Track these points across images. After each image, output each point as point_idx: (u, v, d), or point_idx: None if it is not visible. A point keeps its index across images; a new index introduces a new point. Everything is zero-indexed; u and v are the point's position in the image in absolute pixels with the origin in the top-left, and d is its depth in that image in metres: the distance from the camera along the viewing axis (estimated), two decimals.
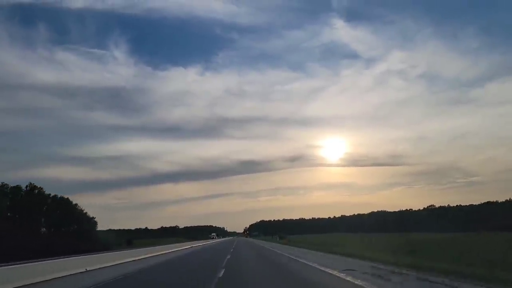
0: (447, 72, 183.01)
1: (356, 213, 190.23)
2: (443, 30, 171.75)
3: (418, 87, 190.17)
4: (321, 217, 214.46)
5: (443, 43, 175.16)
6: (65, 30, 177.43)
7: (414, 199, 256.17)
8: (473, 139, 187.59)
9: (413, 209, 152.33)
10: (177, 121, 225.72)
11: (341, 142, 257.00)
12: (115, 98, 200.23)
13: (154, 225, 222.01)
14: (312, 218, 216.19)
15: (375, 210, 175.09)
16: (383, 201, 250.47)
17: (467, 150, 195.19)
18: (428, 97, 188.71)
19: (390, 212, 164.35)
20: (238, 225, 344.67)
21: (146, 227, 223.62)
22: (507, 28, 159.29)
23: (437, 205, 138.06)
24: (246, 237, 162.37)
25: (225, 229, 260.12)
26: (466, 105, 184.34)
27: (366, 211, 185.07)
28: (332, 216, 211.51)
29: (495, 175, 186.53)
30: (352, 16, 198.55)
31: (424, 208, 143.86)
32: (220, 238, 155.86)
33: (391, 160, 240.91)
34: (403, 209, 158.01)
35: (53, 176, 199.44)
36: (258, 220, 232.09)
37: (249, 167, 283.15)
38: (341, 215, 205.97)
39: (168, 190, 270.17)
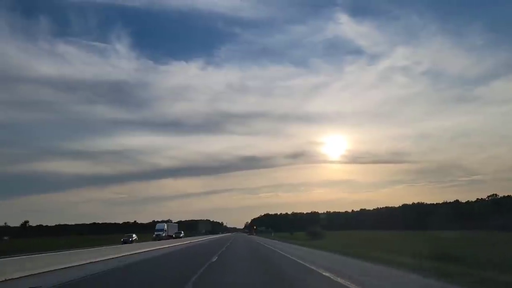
0: (451, 69, 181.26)
1: (381, 206, 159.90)
2: (448, 26, 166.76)
3: (421, 84, 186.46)
4: (336, 211, 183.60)
5: (448, 40, 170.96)
6: (66, 22, 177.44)
7: (416, 197, 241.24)
8: (476, 137, 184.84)
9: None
10: (178, 116, 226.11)
11: (342, 138, 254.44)
12: (117, 92, 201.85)
13: (148, 219, 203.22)
14: (327, 212, 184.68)
15: (409, 203, 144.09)
16: (385, 199, 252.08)
17: (469, 148, 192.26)
18: (432, 94, 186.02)
19: (427, 205, 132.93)
20: (238, 221, 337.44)
21: (135, 221, 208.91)
22: None
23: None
24: (251, 234, 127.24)
25: (225, 225, 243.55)
26: (470, 103, 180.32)
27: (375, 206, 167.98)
28: (350, 211, 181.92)
29: (497, 173, 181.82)
30: (357, 11, 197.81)
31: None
32: (179, 236, 76.84)
33: (393, 158, 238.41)
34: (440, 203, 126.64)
35: (53, 170, 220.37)
36: (262, 214, 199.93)
37: (250, 163, 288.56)
38: (360, 209, 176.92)
39: (169, 185, 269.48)
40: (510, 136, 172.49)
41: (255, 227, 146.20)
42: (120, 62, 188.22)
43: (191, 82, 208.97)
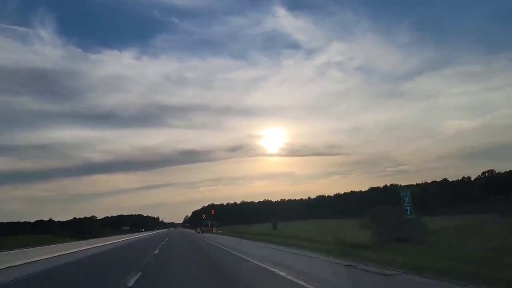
0: (382, 65, 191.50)
1: (345, 191, 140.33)
2: (380, 24, 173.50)
3: (355, 79, 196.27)
4: (292, 198, 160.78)
5: (379, 37, 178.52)
6: None
7: (349, 187, 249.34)
8: (403, 130, 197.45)
9: None
10: (111, 108, 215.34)
11: (281, 132, 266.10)
12: (42, 82, 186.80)
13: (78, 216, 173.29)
14: (281, 200, 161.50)
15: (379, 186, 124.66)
16: (321, 189, 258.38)
17: (397, 141, 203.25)
18: (365, 89, 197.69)
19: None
20: (177, 216, 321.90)
21: (50, 219, 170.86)
22: (437, 24, 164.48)
23: None
24: (204, 232, 70.19)
25: (162, 220, 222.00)
26: (397, 98, 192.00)
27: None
28: (306, 198, 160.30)
29: (420, 164, 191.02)
30: (294, 5, 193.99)
31: None
32: None
33: (329, 150, 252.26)
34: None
35: None
36: (206, 205, 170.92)
37: (190, 157, 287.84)
38: (318, 196, 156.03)
39: (102, 181, 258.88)
40: (432, 129, 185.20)
41: (209, 222, 79.69)
42: (44, 49, 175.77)
43: (125, 72, 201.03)
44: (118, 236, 57.48)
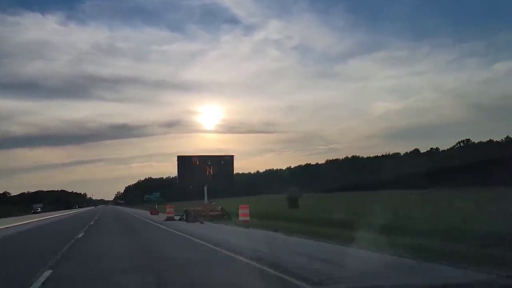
0: (317, 46, 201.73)
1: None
2: (316, 4, 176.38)
3: (292, 59, 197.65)
4: (240, 172, 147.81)
5: (316, 17, 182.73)
6: None
7: (283, 164, 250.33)
8: (335, 111, 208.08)
9: None
10: (34, 77, 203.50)
11: (218, 108, 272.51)
12: None
13: None
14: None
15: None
16: (257, 166, 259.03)
17: (329, 120, 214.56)
18: (300, 68, 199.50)
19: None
20: (108, 193, 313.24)
21: None
22: (369, 8, 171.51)
23: None
24: (180, 218, 29.85)
25: (90, 197, 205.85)
26: (331, 79, 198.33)
27: None
28: (255, 171, 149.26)
29: (349, 143, 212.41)
30: None
31: None
32: None
33: (265, 128, 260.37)
34: None
35: None
36: (142, 179, 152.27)
37: (121, 131, 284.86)
38: (267, 169, 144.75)
39: (23, 155, 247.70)
40: (361, 110, 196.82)
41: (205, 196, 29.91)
42: None
43: (49, 38, 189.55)
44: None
